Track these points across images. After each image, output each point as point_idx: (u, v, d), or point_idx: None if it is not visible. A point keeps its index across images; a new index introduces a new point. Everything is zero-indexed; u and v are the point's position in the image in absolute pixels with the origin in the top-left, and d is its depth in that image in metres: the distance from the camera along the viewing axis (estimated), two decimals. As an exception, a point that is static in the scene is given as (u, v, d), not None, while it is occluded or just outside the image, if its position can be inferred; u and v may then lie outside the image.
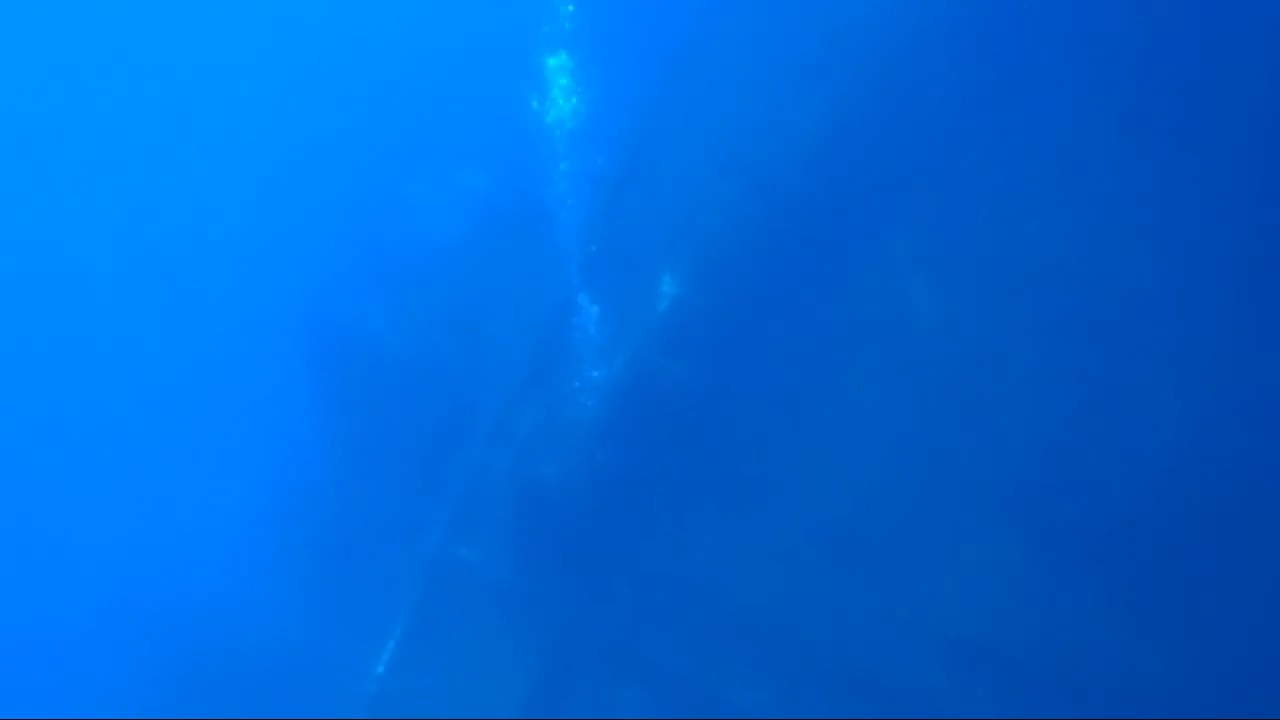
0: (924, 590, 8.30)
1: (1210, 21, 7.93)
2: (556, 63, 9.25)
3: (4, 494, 12.80)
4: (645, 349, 8.93)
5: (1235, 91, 7.94)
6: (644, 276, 9.06)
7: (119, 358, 13.10)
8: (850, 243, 8.87)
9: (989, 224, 8.59)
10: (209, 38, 14.42)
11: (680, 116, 9.49)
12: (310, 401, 10.77)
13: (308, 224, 11.86)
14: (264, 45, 13.90)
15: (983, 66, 8.51)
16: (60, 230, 14.32)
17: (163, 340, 13.01)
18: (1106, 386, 8.23)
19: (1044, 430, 8.26)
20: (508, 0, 10.29)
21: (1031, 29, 8.37)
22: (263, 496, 11.00)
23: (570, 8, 9.24)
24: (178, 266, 13.42)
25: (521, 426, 9.21)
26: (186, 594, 10.96)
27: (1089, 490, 8.09)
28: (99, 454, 12.80)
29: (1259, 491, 7.80)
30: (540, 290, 9.48)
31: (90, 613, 11.86)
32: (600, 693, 8.83)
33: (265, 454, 11.23)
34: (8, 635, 12.19)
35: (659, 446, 8.84)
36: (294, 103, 13.34)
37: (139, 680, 11.02)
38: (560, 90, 9.27)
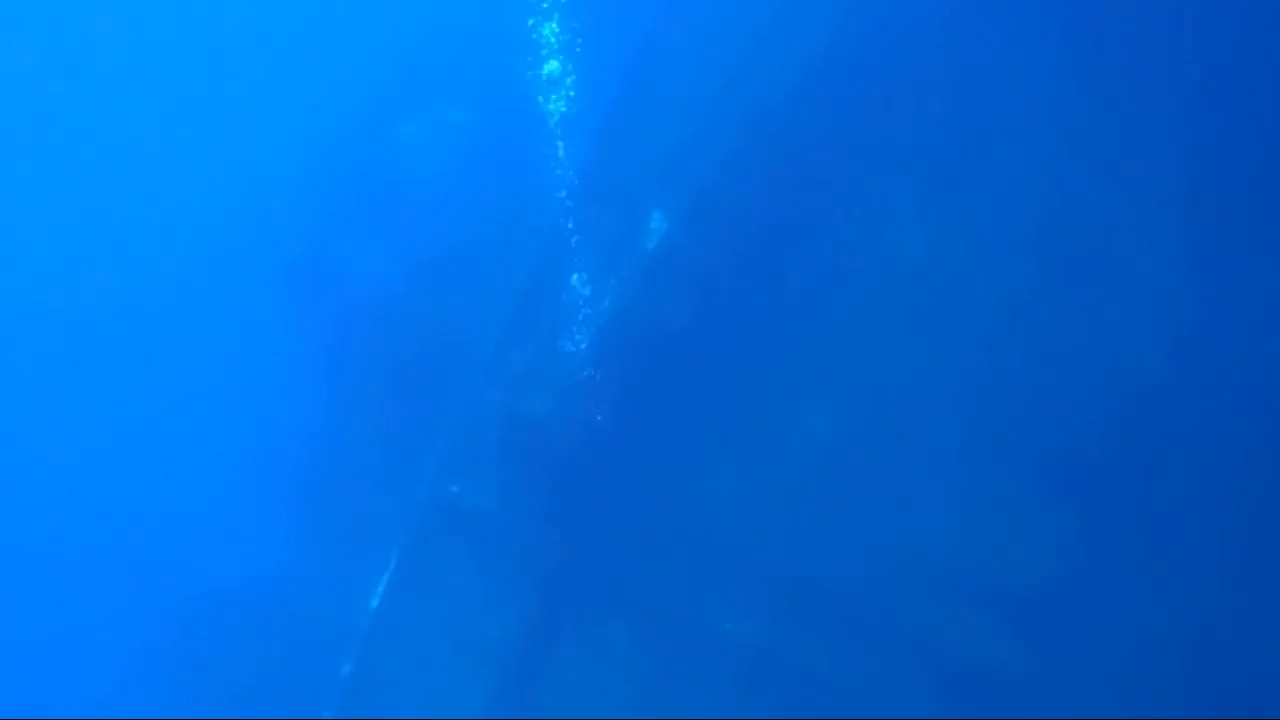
0: (915, 524, 8.41)
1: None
2: (548, 1, 9.18)
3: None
4: (635, 286, 8.93)
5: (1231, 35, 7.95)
6: (634, 214, 9.04)
7: (107, 299, 13.09)
8: (842, 179, 8.87)
9: (981, 163, 8.61)
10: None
11: (672, 54, 9.43)
12: (302, 341, 10.79)
13: (298, 165, 11.81)
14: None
15: (974, 4, 8.48)
16: (44, 175, 14.24)
17: (150, 283, 12.99)
18: (1092, 320, 8.30)
19: (1034, 364, 8.35)
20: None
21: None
22: (256, 435, 11.07)
23: (562, -54, 9.15)
24: (166, 209, 13.37)
25: (513, 364, 9.24)
26: (181, 532, 11.07)
27: (1080, 423, 8.19)
28: (91, 394, 12.83)
29: (1238, 423, 7.91)
30: (530, 228, 9.46)
31: (84, 552, 11.97)
32: (592, 625, 8.95)
33: (257, 394, 11.28)
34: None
35: (649, 383, 8.89)
36: (281, 42, 13.23)
37: (134, 619, 11.16)
38: (551, 29, 9.20)
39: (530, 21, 9.23)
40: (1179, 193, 8.14)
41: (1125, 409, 8.15)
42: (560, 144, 9.19)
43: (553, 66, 9.20)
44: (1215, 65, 8.03)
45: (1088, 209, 8.35)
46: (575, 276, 9.06)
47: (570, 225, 9.12)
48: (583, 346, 8.94)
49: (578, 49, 9.22)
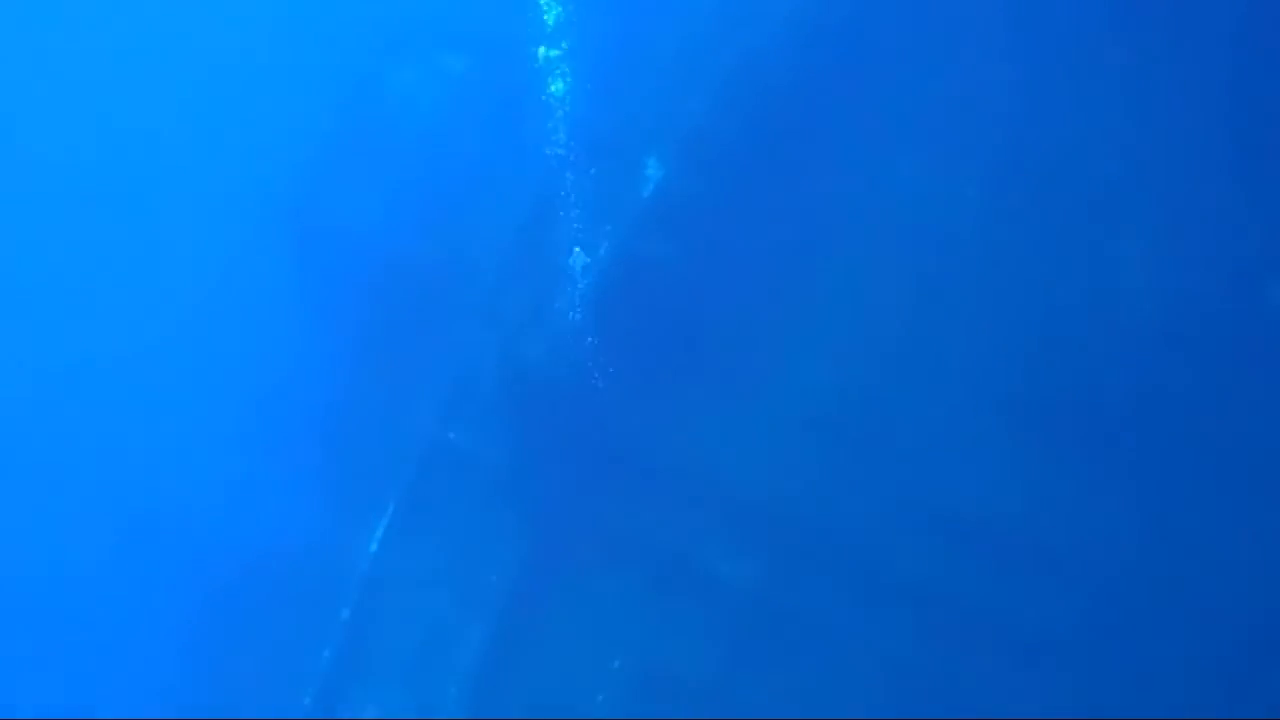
0: (913, 468, 8.46)
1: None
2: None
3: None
4: (631, 232, 8.94)
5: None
6: (629, 160, 9.04)
7: (102, 249, 13.08)
8: (838, 124, 8.86)
9: (978, 103, 8.58)
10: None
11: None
12: (298, 289, 10.79)
13: (290, 113, 11.75)
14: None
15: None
16: (39, 130, 14.17)
17: (145, 232, 12.97)
18: (1088, 261, 8.32)
19: (1033, 309, 8.36)
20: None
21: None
22: (253, 384, 11.11)
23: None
24: (157, 156, 13.32)
25: (509, 313, 9.27)
26: (177, 479, 11.12)
27: (1079, 371, 8.21)
28: (89, 345, 12.84)
29: (1247, 378, 7.94)
30: (526, 176, 9.44)
31: (83, 502, 12.03)
32: (589, 570, 9.03)
33: (255, 343, 11.30)
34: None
35: (646, 329, 8.92)
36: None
37: (127, 566, 11.25)
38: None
39: None
40: (1176, 131, 8.13)
41: (1122, 350, 8.17)
42: (556, 91, 9.15)
43: (550, 13, 9.15)
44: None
45: (1085, 149, 8.35)
46: (572, 224, 9.06)
47: (566, 173, 9.10)
48: (579, 293, 8.96)
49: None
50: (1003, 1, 8.42)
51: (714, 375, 8.93)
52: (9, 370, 13.04)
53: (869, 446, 8.61)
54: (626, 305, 8.86)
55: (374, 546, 9.32)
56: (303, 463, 10.29)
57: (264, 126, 12.05)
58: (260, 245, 11.19)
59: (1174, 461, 8.05)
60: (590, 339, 8.92)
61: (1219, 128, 8.10)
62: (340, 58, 11.46)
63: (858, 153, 8.84)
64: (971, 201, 8.56)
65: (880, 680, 8.42)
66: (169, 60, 13.73)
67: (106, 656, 11.46)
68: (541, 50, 9.17)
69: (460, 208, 10.04)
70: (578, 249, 8.98)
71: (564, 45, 9.15)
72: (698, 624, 8.72)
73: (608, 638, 8.88)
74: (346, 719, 9.19)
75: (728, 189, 8.86)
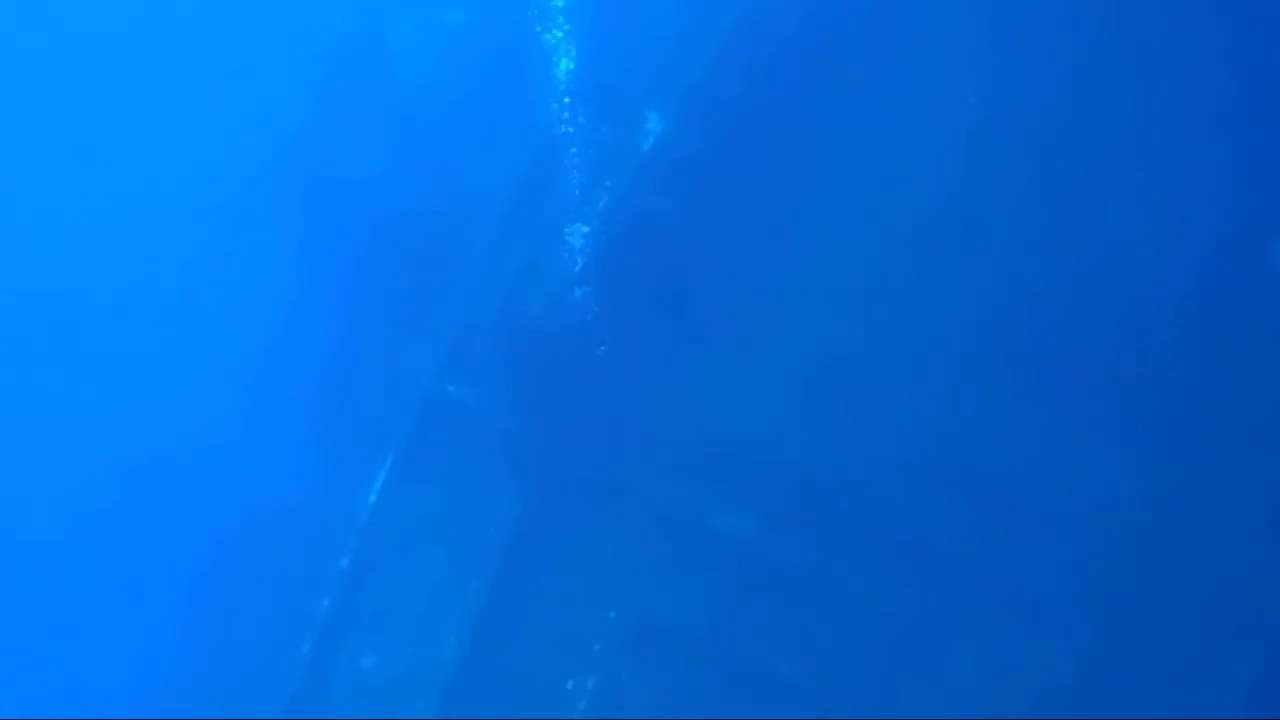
0: (910, 425, 8.51)
1: None
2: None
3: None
4: (630, 186, 8.92)
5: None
6: (628, 114, 9.01)
7: (98, 202, 13.04)
8: (839, 79, 8.84)
9: (979, 57, 8.57)
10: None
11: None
12: (297, 243, 10.77)
13: (289, 67, 11.69)
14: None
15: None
16: (32, 82, 14.08)
17: (142, 185, 12.93)
18: (1093, 221, 8.33)
19: (1031, 267, 8.38)
20: None
21: None
22: (252, 336, 11.11)
23: None
24: (156, 112, 13.27)
25: (509, 266, 9.25)
26: (178, 432, 11.15)
27: (1076, 327, 8.25)
28: (84, 299, 12.84)
29: (1246, 338, 7.99)
30: (524, 129, 9.41)
31: (81, 456, 12.06)
32: (586, 522, 9.09)
33: (254, 297, 11.29)
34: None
35: (645, 283, 8.93)
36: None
37: (133, 518, 11.30)
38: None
39: None
40: (1176, 90, 8.12)
41: (1119, 307, 8.21)
42: (556, 43, 9.11)
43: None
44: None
45: (1086, 107, 8.34)
46: (571, 178, 9.04)
47: (566, 126, 9.08)
48: (578, 247, 8.95)
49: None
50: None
51: (712, 329, 8.96)
52: (7, 333, 13.05)
53: (866, 402, 8.66)
54: (626, 259, 8.87)
55: (373, 498, 9.36)
56: (301, 414, 10.32)
57: (262, 81, 12.00)
58: (259, 199, 11.15)
59: (1172, 418, 8.12)
60: (589, 293, 8.93)
61: (1218, 88, 8.10)
62: (338, 11, 11.38)
63: (858, 108, 8.83)
64: (970, 160, 8.56)
65: (876, 633, 8.51)
66: (166, 13, 13.64)
67: (105, 607, 11.54)
68: (541, 2, 9.12)
69: (459, 161, 10.01)
70: (577, 203, 8.97)
71: (565, -2, 9.12)
72: (694, 576, 8.80)
73: (604, 589, 8.95)
74: None
75: (728, 143, 8.85)
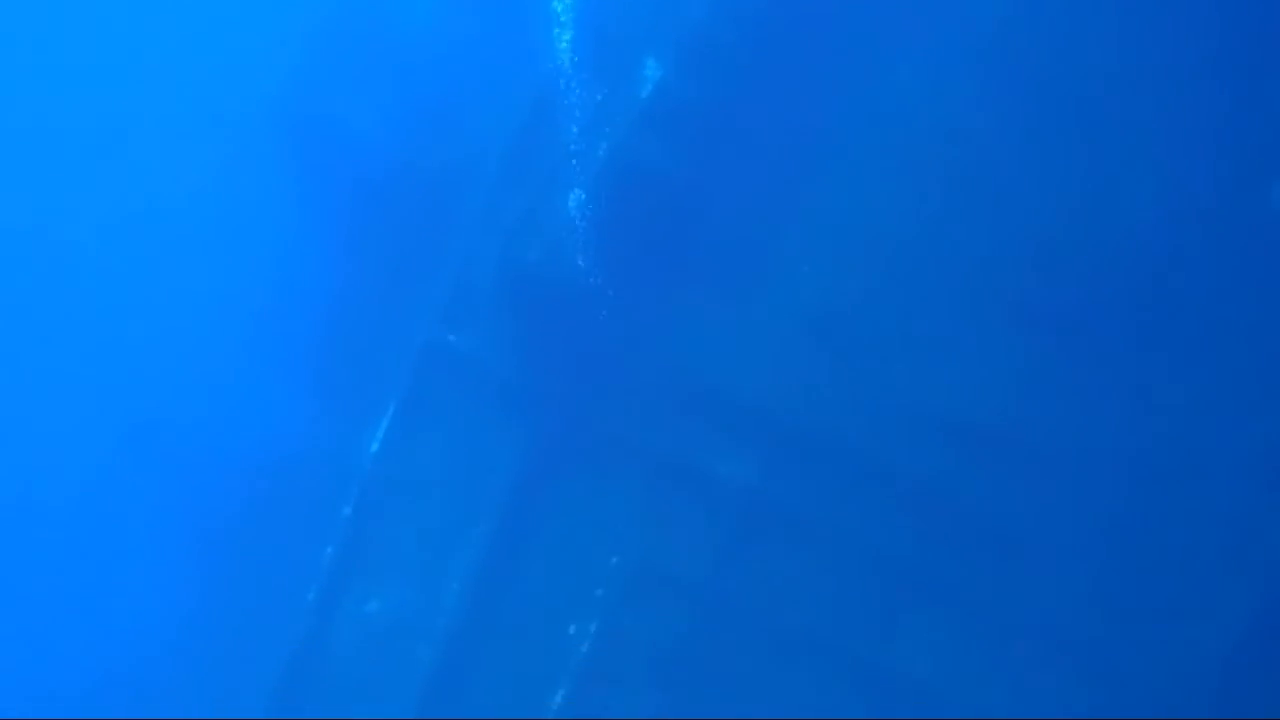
0: (910, 371, 8.51)
1: None
2: None
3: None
4: (629, 134, 8.88)
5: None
6: (627, 60, 8.95)
7: (97, 152, 12.97)
8: (838, 24, 8.76)
9: (979, 5, 8.50)
10: None
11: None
12: (296, 194, 10.75)
13: (288, 15, 11.58)
14: None
15: None
16: (31, 34, 13.98)
17: (141, 135, 12.84)
18: (1096, 165, 8.29)
19: (1033, 212, 8.35)
20: None
21: None
22: (253, 288, 11.10)
23: None
24: (154, 61, 13.16)
25: (508, 214, 9.24)
26: (180, 383, 11.17)
27: (1080, 273, 8.23)
28: (83, 250, 12.81)
29: (1250, 280, 7.97)
30: (522, 76, 9.36)
31: (83, 406, 12.09)
32: (587, 470, 9.14)
33: (254, 247, 11.27)
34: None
35: (644, 230, 8.91)
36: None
37: (137, 469, 11.35)
38: None
39: None
40: (1178, 30, 8.05)
41: (1123, 252, 8.18)
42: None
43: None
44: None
45: (1085, 51, 8.27)
46: (569, 125, 9.00)
47: (564, 72, 9.02)
48: (577, 196, 8.93)
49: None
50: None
51: (713, 276, 8.95)
52: (5, 285, 13.04)
53: (867, 349, 8.65)
54: (625, 208, 8.84)
55: (375, 446, 9.43)
56: (303, 365, 10.35)
57: (261, 29, 11.88)
58: (258, 148, 11.09)
59: (1176, 363, 8.12)
60: (588, 242, 8.92)
61: (1220, 27, 8.02)
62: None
63: (858, 53, 8.75)
64: (971, 104, 8.50)
65: (876, 577, 8.57)
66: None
67: (110, 558, 11.61)
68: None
69: (458, 109, 9.97)
70: (575, 151, 8.94)
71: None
72: (694, 522, 8.85)
73: (606, 535, 9.01)
74: None
75: (727, 89, 8.80)
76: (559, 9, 9.03)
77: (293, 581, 9.49)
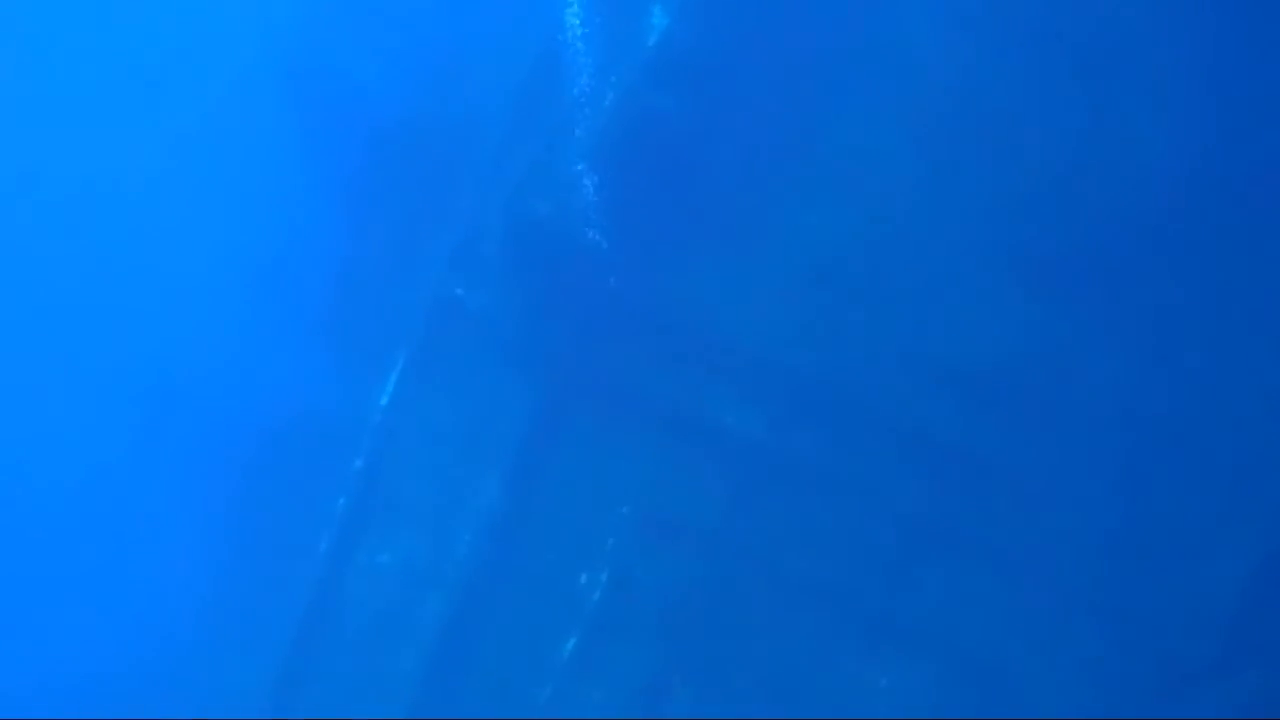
0: (918, 321, 8.48)
1: None
2: None
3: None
4: (635, 83, 8.80)
5: None
6: (633, 9, 8.88)
7: (104, 110, 12.99)
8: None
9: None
10: None
11: None
12: (303, 148, 10.76)
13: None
14: None
15: None
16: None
17: (146, 92, 12.86)
18: (1100, 115, 8.23)
19: (1039, 162, 8.30)
20: None
21: None
22: (262, 243, 11.15)
23: None
24: (160, 15, 13.16)
25: (514, 166, 9.20)
26: (192, 338, 11.25)
27: (1085, 222, 8.19)
28: (93, 210, 12.86)
29: (1254, 230, 7.92)
30: (526, 27, 9.32)
31: (96, 366, 12.18)
32: (595, 420, 9.16)
33: (262, 203, 11.31)
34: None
35: (651, 182, 8.87)
36: None
37: (149, 424, 11.45)
38: None
39: None
40: None
41: (1127, 201, 8.14)
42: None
43: None
44: None
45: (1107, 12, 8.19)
46: (576, 75, 8.95)
47: (570, 22, 8.97)
48: (584, 146, 8.90)
49: None
50: None
51: (719, 227, 8.89)
52: (11, 245, 13.09)
53: (874, 299, 8.62)
54: (632, 158, 8.79)
55: (385, 399, 9.47)
56: (312, 319, 10.40)
57: None
58: (264, 104, 11.11)
59: (1184, 308, 8.10)
60: (595, 193, 8.89)
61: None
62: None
63: (869, 6, 8.68)
64: (978, 55, 8.42)
65: (883, 526, 8.61)
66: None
67: (125, 512, 11.74)
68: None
69: (463, 60, 9.93)
70: (582, 101, 8.89)
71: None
72: (704, 472, 8.87)
73: (616, 485, 9.04)
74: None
75: (733, 37, 8.72)
76: (565, -40, 8.97)
77: (305, 533, 9.57)
